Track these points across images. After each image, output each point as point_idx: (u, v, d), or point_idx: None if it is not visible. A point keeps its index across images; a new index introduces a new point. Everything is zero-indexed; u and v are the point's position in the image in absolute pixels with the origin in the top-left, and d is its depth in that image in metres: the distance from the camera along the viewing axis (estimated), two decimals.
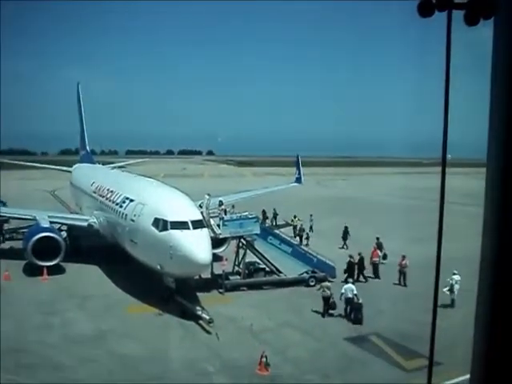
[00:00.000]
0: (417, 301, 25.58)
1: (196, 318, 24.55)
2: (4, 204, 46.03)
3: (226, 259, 32.80)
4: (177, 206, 28.08)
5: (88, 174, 49.63)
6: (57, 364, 20.02)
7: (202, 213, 28.47)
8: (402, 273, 31.48)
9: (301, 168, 52.77)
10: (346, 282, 28.10)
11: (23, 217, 38.53)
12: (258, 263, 31.73)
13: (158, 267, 26.16)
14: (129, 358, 20.68)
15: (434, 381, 6.94)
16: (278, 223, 49.19)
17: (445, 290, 26.09)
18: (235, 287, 30.09)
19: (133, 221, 28.79)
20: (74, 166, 59.39)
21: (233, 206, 41.60)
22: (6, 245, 40.36)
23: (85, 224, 37.72)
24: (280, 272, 31.39)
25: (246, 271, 30.92)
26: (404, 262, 31.55)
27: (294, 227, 45.76)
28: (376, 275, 33.09)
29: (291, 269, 31.54)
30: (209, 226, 28.59)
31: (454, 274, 27.05)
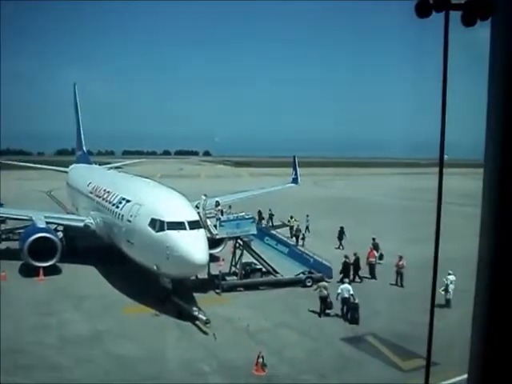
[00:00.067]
0: (413, 301, 25.65)
1: (193, 319, 24.54)
2: (0, 205, 45.95)
3: (223, 260, 32.81)
4: (173, 206, 28.06)
5: (84, 175, 49.55)
6: (54, 364, 19.99)
7: (198, 213, 28.45)
8: (399, 273, 31.47)
9: (297, 168, 52.88)
10: (342, 282, 28.19)
11: (19, 217, 38.46)
12: (255, 264, 31.71)
13: (155, 268, 26.14)
14: (125, 359, 20.65)
15: (431, 381, 6.95)
16: (273, 224, 49.18)
17: (440, 290, 26.14)
18: (232, 288, 30.08)
19: (129, 221, 28.76)
20: (71, 167, 59.28)
21: (229, 207, 41.63)
22: (3, 245, 40.27)
23: (81, 224, 37.66)
24: (277, 272, 31.39)
25: (243, 272, 30.90)
26: (401, 263, 31.55)
27: (291, 228, 45.78)
28: (372, 276, 33.12)
29: (288, 269, 31.54)
30: (205, 227, 28.57)
31: (449, 274, 27.10)
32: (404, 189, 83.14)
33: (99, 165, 64.23)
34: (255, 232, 31.09)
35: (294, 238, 42.18)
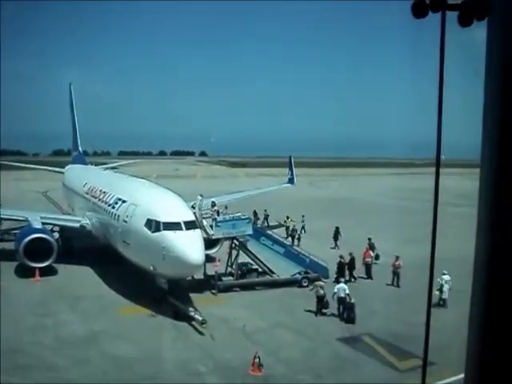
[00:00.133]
0: (409, 301, 25.66)
1: (189, 319, 24.54)
2: None
3: (219, 260, 32.73)
4: (169, 206, 28.05)
5: (80, 175, 49.46)
6: (50, 365, 19.99)
7: (194, 213, 28.46)
8: (396, 273, 31.47)
9: (293, 169, 52.86)
10: (337, 282, 28.24)
11: (15, 218, 38.35)
12: (251, 264, 31.72)
13: (151, 268, 26.11)
14: (122, 359, 20.65)
15: (427, 381, 6.95)
16: (269, 224, 49.13)
17: (434, 290, 26.18)
18: (228, 288, 30.07)
19: (125, 222, 28.73)
20: (67, 167, 59.13)
21: (225, 207, 41.54)
22: None
23: (77, 225, 37.59)
24: (273, 273, 31.41)
25: (239, 272, 30.91)
26: (397, 263, 31.54)
27: (287, 228, 45.79)
28: (369, 276, 33.12)
29: (284, 269, 31.56)
30: (201, 227, 28.58)
31: (444, 274, 27.14)
32: (400, 189, 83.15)
33: (95, 165, 64.09)
34: (251, 232, 31.10)
35: (289, 238, 42.20)
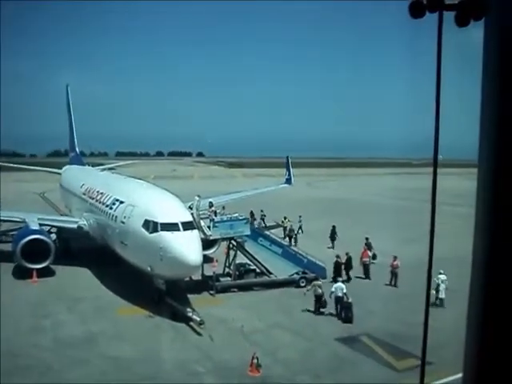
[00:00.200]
0: (407, 301, 25.75)
1: (187, 320, 24.53)
2: None
3: (217, 261, 32.72)
4: (167, 207, 28.04)
5: (78, 176, 49.41)
6: (48, 366, 19.95)
7: (192, 214, 28.44)
8: (394, 273, 31.45)
9: (291, 169, 52.86)
10: (334, 281, 28.29)
11: (12, 219, 38.28)
12: (249, 264, 31.72)
13: (149, 269, 26.09)
14: (120, 360, 20.63)
15: (425, 381, 6.96)
16: (266, 224, 49.10)
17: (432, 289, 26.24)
18: (226, 289, 30.07)
19: (123, 223, 28.71)
20: (64, 168, 59.09)
21: (223, 208, 41.55)
22: None
23: (74, 226, 37.56)
24: (270, 273, 31.41)
25: (237, 272, 30.91)
26: (396, 263, 31.52)
27: (284, 228, 45.81)
28: (367, 276, 33.11)
29: (282, 270, 31.57)
30: (199, 228, 28.56)
31: (440, 273, 27.16)
32: (397, 189, 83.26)
33: (92, 166, 64.04)
34: (249, 233, 31.11)
35: (287, 239, 42.23)
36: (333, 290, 26.44)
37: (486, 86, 4.21)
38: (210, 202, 32.74)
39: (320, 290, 26.56)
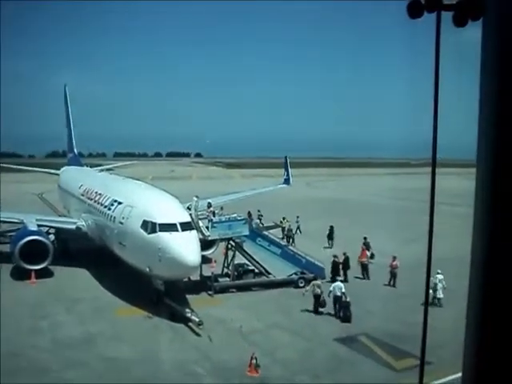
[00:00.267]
0: (406, 301, 25.78)
1: (185, 321, 24.52)
2: None
3: (215, 261, 32.72)
4: (165, 208, 28.03)
5: (76, 177, 49.38)
6: (46, 367, 19.93)
7: (190, 215, 28.44)
8: (393, 274, 31.41)
9: (289, 169, 52.80)
10: (332, 281, 28.32)
11: (10, 220, 38.24)
12: (247, 265, 31.70)
13: (147, 270, 26.08)
14: (118, 361, 20.62)
15: (424, 380, 6.96)
16: (263, 224, 49.04)
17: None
18: (224, 289, 30.05)
19: (121, 223, 28.70)
20: (62, 169, 59.06)
21: (221, 208, 41.56)
22: None
23: (73, 227, 37.53)
24: (269, 273, 31.39)
25: (235, 273, 30.90)
26: (395, 263, 31.47)
27: (283, 229, 45.81)
28: (367, 276, 33.04)
29: (280, 270, 31.55)
30: (197, 228, 28.55)
31: (438, 273, 27.15)
32: (396, 189, 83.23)
33: (90, 167, 64.00)
34: (247, 233, 31.09)
35: (285, 239, 42.21)
36: (331, 289, 26.48)
37: (484, 85, 4.21)
38: (209, 203, 32.76)
39: (319, 290, 26.59)
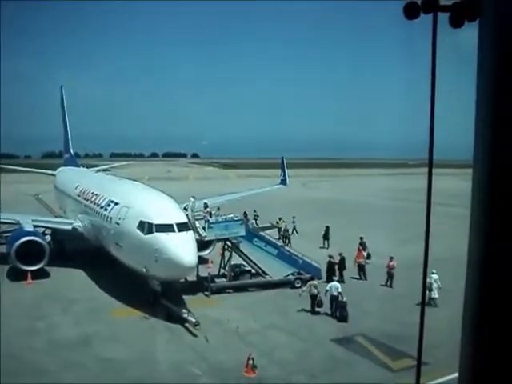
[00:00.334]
0: (403, 301, 25.80)
1: (182, 321, 24.50)
2: None
3: (212, 262, 32.76)
4: (162, 208, 28.00)
5: (72, 178, 49.32)
6: (42, 368, 19.88)
7: (187, 215, 28.41)
8: (390, 274, 31.42)
9: (286, 170, 52.83)
10: (328, 282, 28.36)
11: (6, 221, 38.17)
12: (244, 265, 31.70)
13: (144, 270, 26.05)
14: (115, 362, 20.59)
15: (421, 380, 6.96)
16: (258, 224, 49.03)
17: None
18: (221, 290, 30.04)
19: (118, 224, 28.66)
20: (58, 170, 59.02)
21: (218, 209, 41.57)
22: None
23: (69, 227, 37.47)
24: (266, 274, 31.40)
25: (232, 273, 30.86)
26: (392, 264, 31.47)
27: (279, 229, 45.83)
28: (363, 276, 32.99)
29: (277, 271, 31.55)
30: (194, 229, 28.54)
31: (433, 273, 27.17)
32: (393, 189, 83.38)
33: (87, 167, 63.92)
34: (244, 234, 31.08)
35: (282, 239, 42.21)
36: (328, 288, 26.52)
37: (480, 86, 4.21)
38: (205, 203, 32.71)
39: (315, 290, 26.61)
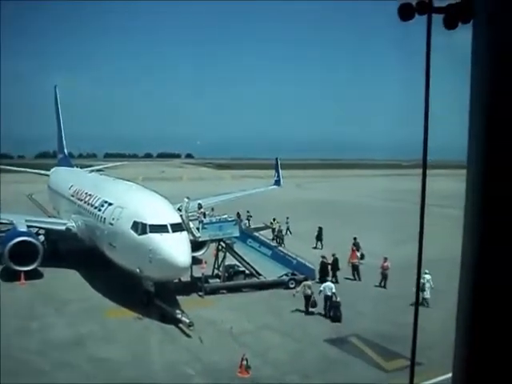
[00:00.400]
0: (396, 302, 25.85)
1: (176, 322, 24.48)
2: None
3: (206, 262, 32.74)
4: (156, 209, 27.97)
5: (66, 178, 49.22)
6: (35, 369, 19.82)
7: (181, 216, 28.38)
8: (384, 275, 31.46)
9: (280, 170, 52.86)
10: (320, 282, 28.41)
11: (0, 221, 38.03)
12: (238, 266, 31.70)
13: (138, 271, 26.02)
14: (108, 362, 20.56)
15: (415, 381, 6.97)
16: (250, 225, 48.98)
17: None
18: (215, 290, 30.03)
19: (111, 224, 28.61)
20: (52, 170, 58.90)
21: (212, 209, 41.54)
22: None
23: (63, 228, 37.38)
24: (260, 274, 31.42)
25: (226, 274, 30.86)
26: (386, 264, 31.52)
27: (273, 230, 45.85)
28: (358, 277, 33.01)
29: (271, 271, 31.57)
30: (188, 229, 28.51)
31: (425, 273, 27.21)
32: (388, 190, 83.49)
33: (81, 167, 63.77)
34: (238, 234, 31.07)
35: (275, 240, 42.22)
36: (321, 288, 26.57)
37: (474, 87, 4.23)
38: (199, 204, 32.69)
39: (309, 291, 26.66)
